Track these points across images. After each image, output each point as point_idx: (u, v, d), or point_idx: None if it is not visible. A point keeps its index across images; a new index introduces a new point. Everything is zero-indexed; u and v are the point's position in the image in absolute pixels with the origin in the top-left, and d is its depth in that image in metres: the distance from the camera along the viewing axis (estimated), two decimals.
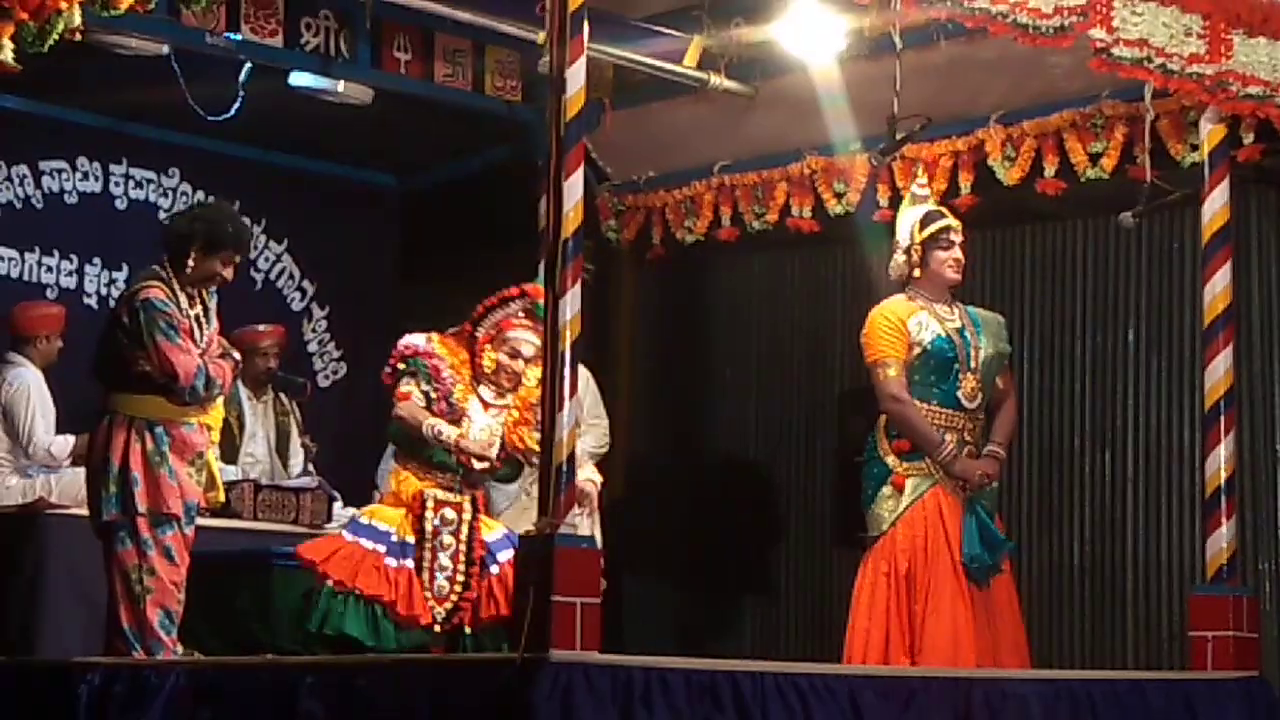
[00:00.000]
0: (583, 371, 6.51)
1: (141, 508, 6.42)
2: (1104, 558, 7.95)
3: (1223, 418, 6.66)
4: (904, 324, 6.57)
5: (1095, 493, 8.00)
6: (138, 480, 6.43)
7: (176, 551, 6.46)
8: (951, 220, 6.76)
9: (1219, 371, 6.69)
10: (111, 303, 7.21)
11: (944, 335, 6.54)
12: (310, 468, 8.39)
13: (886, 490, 6.53)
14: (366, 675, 5.33)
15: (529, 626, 4.93)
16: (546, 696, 4.75)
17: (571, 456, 5.17)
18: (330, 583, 6.29)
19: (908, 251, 6.66)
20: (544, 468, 5.18)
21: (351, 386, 9.71)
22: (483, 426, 6.47)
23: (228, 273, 6.65)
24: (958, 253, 6.68)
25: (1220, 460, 6.63)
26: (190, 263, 6.56)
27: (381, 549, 6.37)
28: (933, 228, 6.66)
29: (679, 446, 9.22)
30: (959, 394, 6.55)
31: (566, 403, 5.14)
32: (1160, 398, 7.85)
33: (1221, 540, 6.62)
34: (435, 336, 6.56)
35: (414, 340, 6.55)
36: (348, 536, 6.47)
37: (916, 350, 6.54)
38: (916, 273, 6.67)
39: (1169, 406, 7.81)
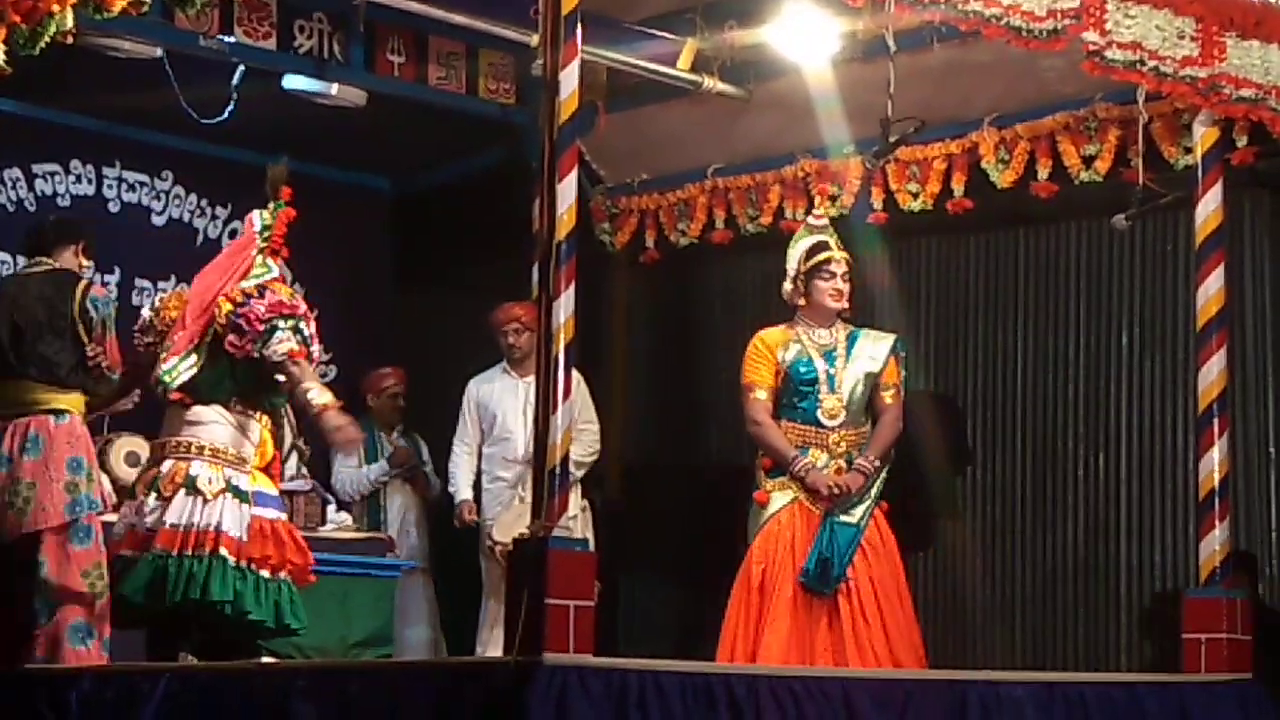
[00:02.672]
0: (575, 375, 6.50)
1: (106, 505, 6.61)
2: (1098, 560, 7.94)
3: (1216, 420, 6.67)
4: (774, 351, 6.90)
5: (1089, 495, 7.99)
6: (99, 480, 6.61)
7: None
8: (835, 252, 6.98)
9: (1213, 374, 6.69)
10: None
11: (805, 358, 6.81)
12: (303, 471, 8.40)
13: (754, 506, 6.90)
14: (359, 679, 5.32)
15: (523, 629, 4.92)
16: (540, 700, 4.75)
17: (565, 460, 5.17)
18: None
19: (794, 280, 6.88)
20: (537, 471, 5.18)
21: (343, 389, 9.69)
22: None
23: None
24: (839, 283, 6.95)
25: (1214, 462, 6.64)
26: (79, 262, 6.87)
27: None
28: (817, 258, 6.96)
29: (674, 449, 9.20)
30: (819, 413, 6.77)
31: (560, 406, 5.14)
32: (1154, 400, 7.85)
33: (1215, 543, 6.62)
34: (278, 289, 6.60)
35: (282, 296, 6.56)
36: (275, 515, 6.52)
37: (781, 375, 6.76)
38: (801, 301, 6.87)
39: (1163, 409, 7.81)
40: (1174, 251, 7.75)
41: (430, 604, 8.90)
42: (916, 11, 6.10)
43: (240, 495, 6.42)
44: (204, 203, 9.50)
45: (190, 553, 6.28)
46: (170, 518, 6.33)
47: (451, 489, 8.61)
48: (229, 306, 6.49)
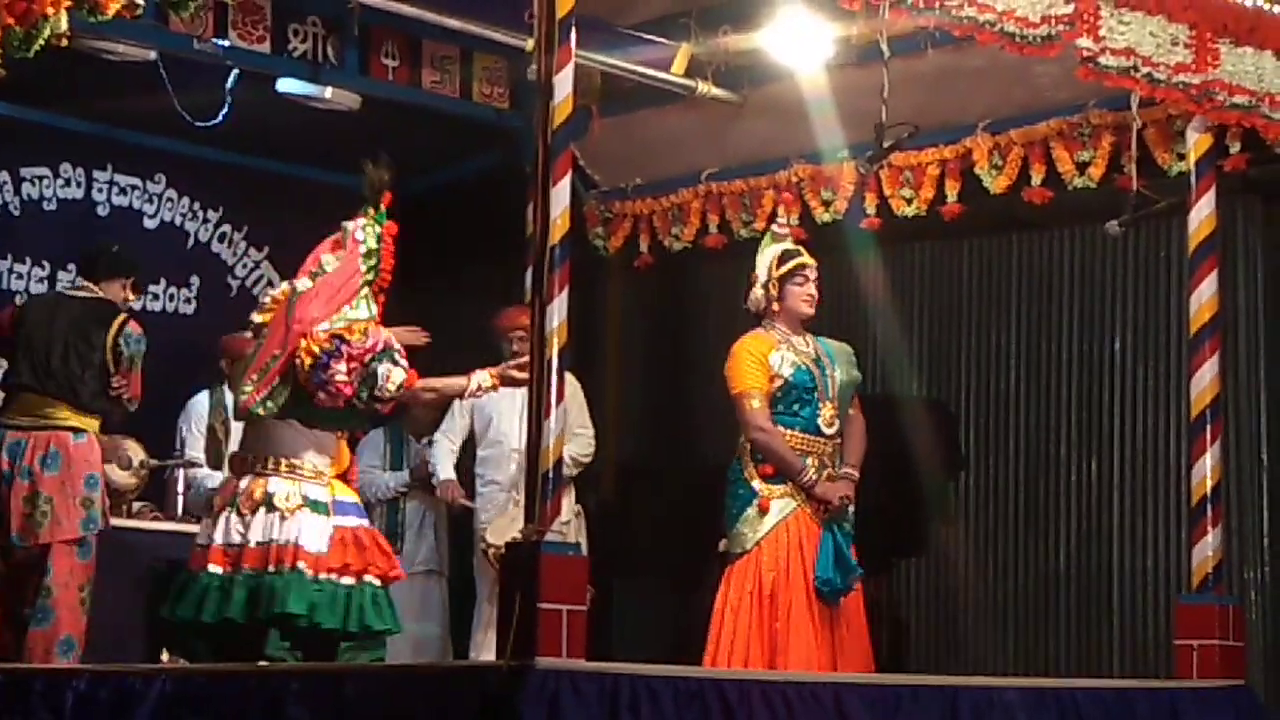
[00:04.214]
0: (569, 379, 6.50)
1: (106, 523, 7.05)
2: (1090, 566, 7.96)
3: (1209, 426, 6.68)
4: (765, 357, 6.88)
5: (1081, 501, 8.00)
6: (105, 497, 7.04)
7: None
8: (807, 258, 6.99)
9: (1205, 380, 6.70)
10: None
11: (804, 367, 6.83)
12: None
13: (751, 512, 6.82)
14: (353, 682, 5.32)
15: (515, 633, 4.93)
16: (533, 704, 4.75)
17: (558, 464, 5.17)
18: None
19: (765, 286, 6.91)
20: (530, 475, 5.18)
21: None
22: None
23: None
24: (812, 289, 6.94)
25: (1206, 469, 6.65)
26: (125, 295, 7.32)
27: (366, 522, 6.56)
28: (790, 264, 6.96)
29: (667, 453, 9.21)
30: (819, 421, 6.85)
31: (553, 410, 5.14)
32: (1146, 406, 7.86)
33: (1207, 549, 6.63)
34: (365, 325, 6.38)
35: (376, 334, 6.37)
36: (357, 522, 6.44)
37: (778, 382, 6.81)
38: (775, 306, 6.87)
39: (1155, 415, 7.82)
40: (1167, 258, 7.76)
41: (443, 609, 8.84)
42: (911, 17, 6.12)
43: (318, 508, 6.33)
44: (196, 206, 9.50)
45: (272, 569, 6.24)
46: (254, 536, 6.28)
47: (433, 473, 8.59)
48: (309, 360, 6.24)
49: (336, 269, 6.41)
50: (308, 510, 6.30)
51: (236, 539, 6.28)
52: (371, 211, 6.51)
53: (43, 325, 7.12)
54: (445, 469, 8.51)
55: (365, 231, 6.48)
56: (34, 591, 6.87)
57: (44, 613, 6.86)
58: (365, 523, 6.50)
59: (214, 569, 6.26)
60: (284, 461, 6.34)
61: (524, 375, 6.04)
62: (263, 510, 6.28)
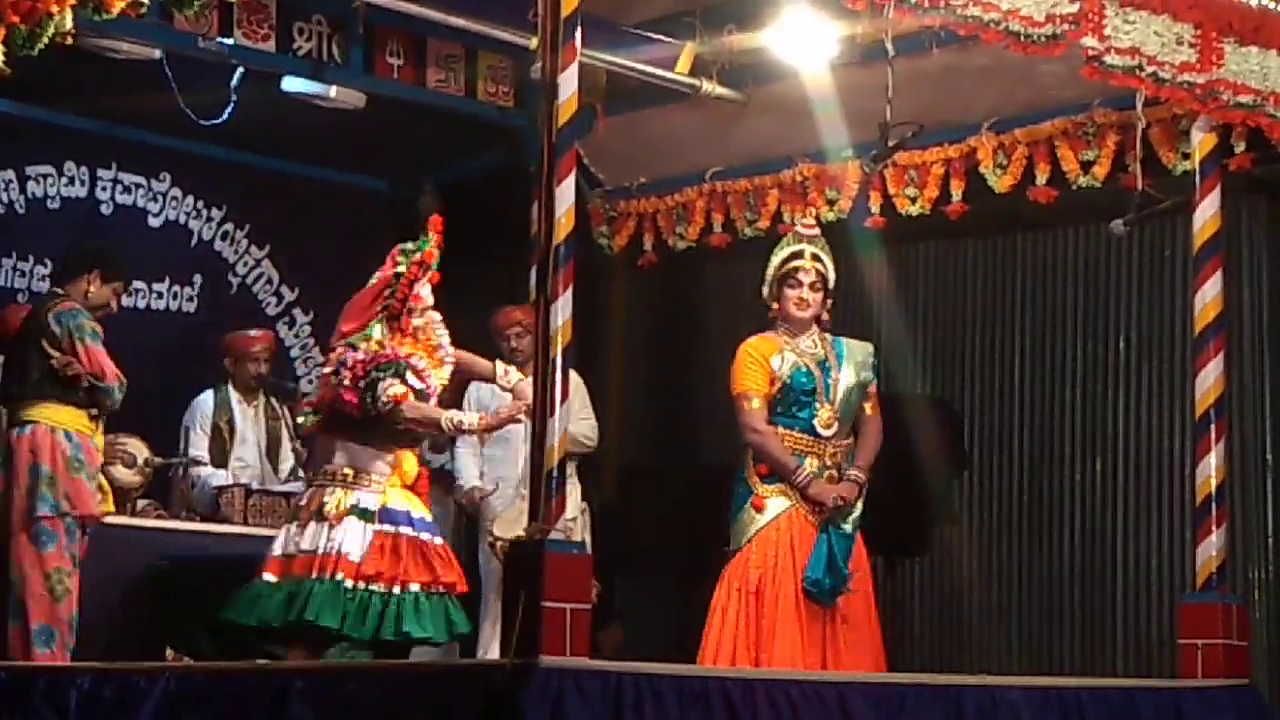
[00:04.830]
0: (572, 376, 6.49)
1: (73, 511, 6.88)
2: (1094, 565, 7.96)
3: (1213, 426, 6.67)
4: (767, 360, 6.84)
5: (1086, 500, 8.00)
6: (62, 485, 6.88)
7: (79, 559, 6.92)
8: (806, 261, 6.87)
9: (1209, 379, 6.70)
10: None
11: (803, 369, 6.82)
12: (300, 472, 8.38)
13: (748, 509, 6.80)
14: (356, 680, 5.33)
15: (519, 632, 4.93)
16: (536, 702, 4.75)
17: (563, 463, 5.18)
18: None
19: (769, 286, 6.89)
20: (534, 473, 5.18)
21: None
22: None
23: (115, 304, 7.24)
24: (805, 292, 6.86)
25: (1211, 468, 6.64)
26: (88, 289, 7.12)
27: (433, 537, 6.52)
28: (786, 266, 6.89)
29: (671, 452, 9.21)
30: (815, 423, 6.77)
31: (558, 409, 5.14)
32: (1151, 406, 7.86)
33: (1212, 548, 6.62)
34: (375, 341, 6.45)
35: (393, 348, 6.45)
36: (403, 531, 6.42)
37: (778, 384, 6.78)
38: (775, 305, 6.87)
39: (1160, 414, 7.82)
40: (1171, 257, 7.77)
41: None
42: (915, 16, 6.11)
43: (365, 515, 6.37)
44: (200, 204, 9.50)
45: (315, 576, 6.29)
46: (304, 544, 6.37)
47: (460, 480, 8.57)
48: (330, 370, 6.43)
49: (369, 286, 6.59)
50: (354, 518, 6.36)
51: (292, 549, 6.39)
52: (420, 238, 6.65)
53: (13, 336, 7.21)
54: (470, 475, 8.50)
55: (404, 255, 6.62)
56: (5, 589, 6.86)
57: (14, 607, 6.85)
58: (414, 532, 6.45)
59: (268, 576, 6.36)
60: (340, 471, 6.44)
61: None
62: (314, 520, 6.38)
